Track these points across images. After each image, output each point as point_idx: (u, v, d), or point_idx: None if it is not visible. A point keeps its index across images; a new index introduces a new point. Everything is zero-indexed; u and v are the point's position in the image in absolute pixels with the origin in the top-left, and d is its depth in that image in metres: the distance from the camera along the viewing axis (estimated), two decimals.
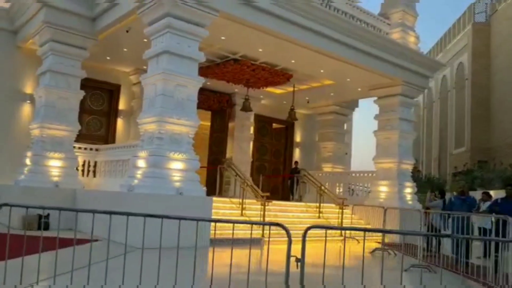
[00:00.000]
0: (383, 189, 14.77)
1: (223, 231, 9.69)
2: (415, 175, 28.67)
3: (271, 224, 4.02)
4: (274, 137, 20.33)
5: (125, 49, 12.90)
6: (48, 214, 10.72)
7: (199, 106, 16.61)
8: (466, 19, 29.57)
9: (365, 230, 4.46)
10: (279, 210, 12.89)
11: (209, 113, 17.94)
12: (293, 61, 13.30)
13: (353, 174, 17.22)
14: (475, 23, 28.15)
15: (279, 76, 14.43)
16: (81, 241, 6.34)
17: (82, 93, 11.95)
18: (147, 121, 9.47)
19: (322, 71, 14.08)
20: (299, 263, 3.70)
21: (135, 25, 10.66)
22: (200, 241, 5.12)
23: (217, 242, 8.91)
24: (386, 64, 13.91)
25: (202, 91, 16.50)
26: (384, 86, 14.88)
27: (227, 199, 12.42)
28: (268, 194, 11.78)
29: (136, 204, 8.42)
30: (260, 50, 12.48)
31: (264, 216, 11.12)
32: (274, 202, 13.04)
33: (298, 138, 20.46)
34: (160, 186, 8.87)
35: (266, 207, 11.86)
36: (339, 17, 12.51)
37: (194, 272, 4.53)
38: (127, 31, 11.20)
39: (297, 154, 20.34)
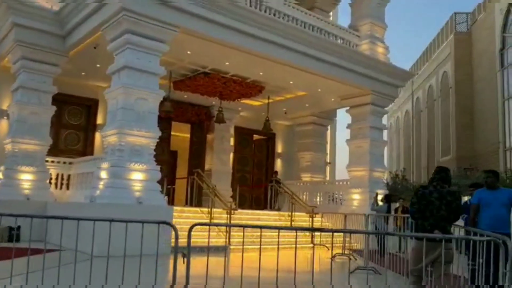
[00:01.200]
0: (356, 197, 15.02)
1: (196, 239, 9.97)
2: (402, 183, 28.89)
3: (160, 222, 4.30)
4: (256, 148, 20.65)
5: (98, 65, 13.27)
6: (19, 226, 11.05)
7: (178, 120, 17.41)
8: (449, 29, 30.03)
9: (261, 227, 4.73)
10: (249, 218, 13.14)
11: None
12: (261, 73, 13.68)
13: (330, 183, 17.48)
14: (457, 32, 28.59)
15: (251, 88, 14.80)
16: (39, 251, 6.47)
17: (53, 109, 12.31)
18: (109, 133, 9.81)
19: (291, 82, 14.45)
20: (185, 258, 3.96)
21: (103, 41, 11.06)
22: (153, 248, 4.97)
23: (182, 250, 9.28)
24: (354, 74, 14.28)
25: (180, 104, 17.06)
26: (354, 95, 15.23)
27: (198, 209, 12.70)
28: (232, 202, 12.05)
29: (97, 214, 8.69)
30: (227, 63, 12.87)
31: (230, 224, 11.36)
32: (244, 211, 13.32)
33: (279, 149, 20.77)
34: (120, 196, 9.17)
35: (238, 215, 12.21)
36: (304, 31, 12.93)
37: (139, 280, 4.56)
38: (94, 48, 11.61)
39: (278, 164, 20.63)
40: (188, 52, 12.04)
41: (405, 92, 41.36)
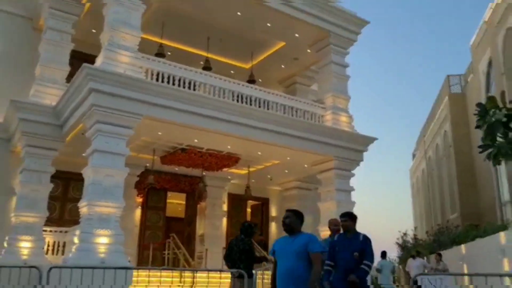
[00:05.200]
0: None
1: None
2: (413, 242, 29.15)
3: (30, 266, 6.08)
4: (253, 212, 22.28)
5: None
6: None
7: (172, 190, 19.47)
8: (445, 91, 31.34)
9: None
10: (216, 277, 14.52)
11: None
12: (229, 147, 15.63)
13: None
14: (451, 94, 29.82)
15: (227, 159, 16.70)
16: None
17: (51, 186, 14.62)
18: (82, 205, 11.89)
19: (259, 153, 16.27)
20: None
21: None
22: None
23: None
24: (317, 144, 15.89)
25: (174, 176, 19.17)
26: (321, 161, 16.79)
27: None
28: (197, 262, 13.62)
29: (68, 274, 10.54)
30: (196, 140, 14.94)
31: (193, 281, 12.89)
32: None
33: (273, 213, 22.23)
34: (86, 257, 11.01)
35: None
36: (261, 110, 14.87)
37: None
38: (82, 134, 14.01)
39: (273, 227, 22.01)
40: (159, 133, 14.25)
41: (420, 151, 42.09)
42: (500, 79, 20.77)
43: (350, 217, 6.15)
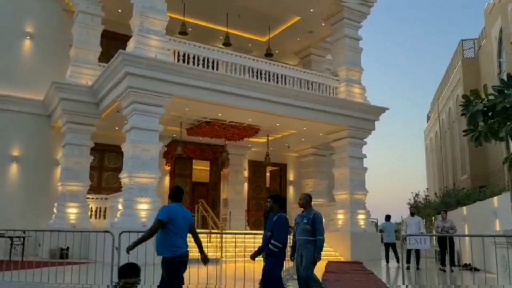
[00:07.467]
0: (340, 217, 17.66)
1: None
2: (425, 203, 30.56)
3: (105, 231, 7.61)
4: (272, 177, 23.83)
5: (125, 121, 17.15)
6: (68, 248, 14.86)
7: (197, 158, 21.03)
8: (458, 55, 31.82)
9: None
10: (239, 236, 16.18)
11: None
12: (250, 120, 16.94)
13: (326, 206, 20.07)
14: (464, 58, 30.35)
15: (248, 130, 18.04)
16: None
17: (91, 158, 16.25)
18: (123, 176, 13.47)
19: (278, 124, 17.57)
20: (116, 249, 7.22)
21: (121, 108, 14.86)
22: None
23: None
24: (331, 115, 17.13)
25: (199, 145, 20.68)
26: (336, 131, 18.05)
27: (202, 230, 15.99)
28: (222, 224, 15.22)
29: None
30: (220, 114, 16.27)
31: (222, 242, 14.53)
32: (238, 231, 16.47)
33: (291, 177, 23.73)
34: (130, 222, 12.67)
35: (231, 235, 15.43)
36: (275, 85, 16.02)
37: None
38: (117, 111, 15.45)
39: (291, 191, 23.58)
40: (187, 109, 15.60)
41: (434, 114, 42.82)
42: (509, 47, 21.41)
43: (273, 199, 6.42)
